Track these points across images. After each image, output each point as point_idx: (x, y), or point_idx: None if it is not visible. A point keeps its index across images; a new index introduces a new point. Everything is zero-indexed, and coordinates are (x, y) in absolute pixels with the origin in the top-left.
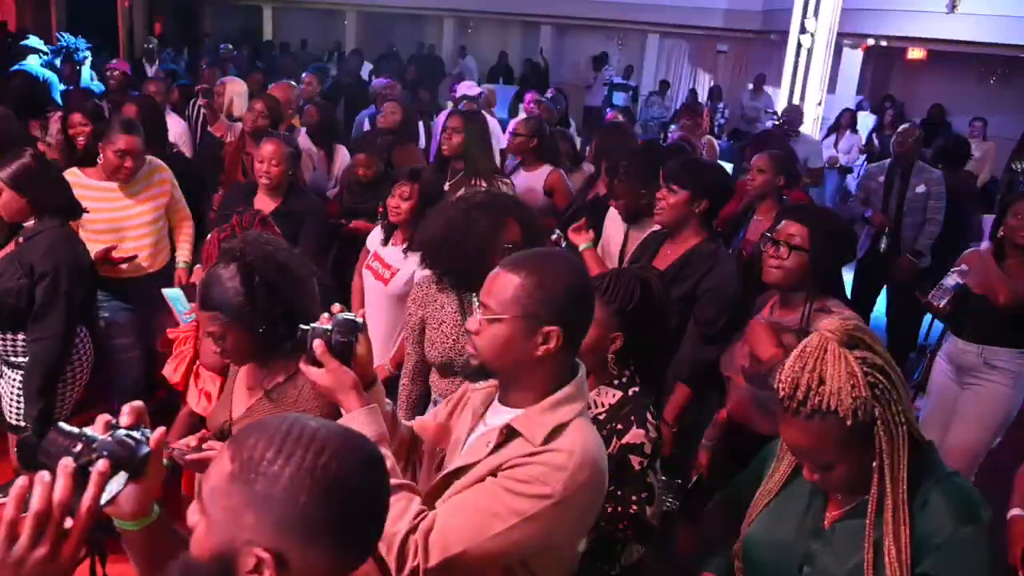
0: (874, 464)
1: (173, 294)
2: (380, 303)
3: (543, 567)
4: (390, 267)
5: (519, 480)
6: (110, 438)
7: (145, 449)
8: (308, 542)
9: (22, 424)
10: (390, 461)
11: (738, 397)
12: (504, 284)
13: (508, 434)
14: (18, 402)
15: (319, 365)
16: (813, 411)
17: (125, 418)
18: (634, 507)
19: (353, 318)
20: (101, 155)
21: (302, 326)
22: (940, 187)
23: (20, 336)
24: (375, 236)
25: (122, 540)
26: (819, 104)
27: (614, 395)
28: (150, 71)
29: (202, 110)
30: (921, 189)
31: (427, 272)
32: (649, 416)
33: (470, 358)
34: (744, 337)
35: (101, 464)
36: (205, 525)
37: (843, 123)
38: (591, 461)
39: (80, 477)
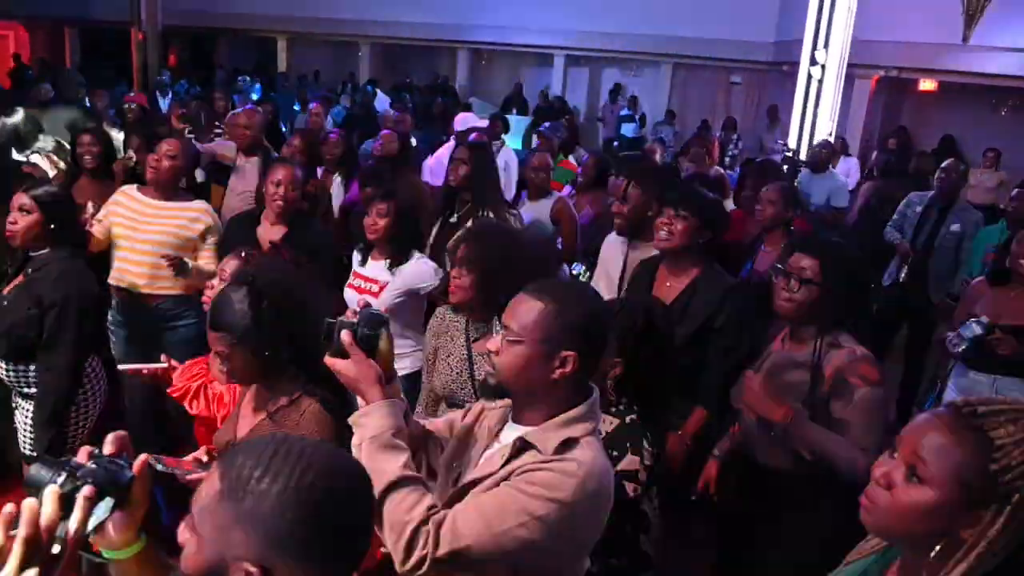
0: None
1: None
2: None
3: (550, 572)
4: (375, 280)
5: (531, 483)
6: (94, 465)
7: (129, 474)
8: (295, 558)
9: (35, 454)
10: (406, 455)
11: (747, 431)
12: (528, 309)
13: (520, 447)
14: (31, 432)
15: (344, 356)
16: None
17: (108, 446)
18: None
19: (379, 313)
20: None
21: (328, 319)
22: (973, 229)
23: (32, 367)
24: (355, 259)
25: (112, 571)
26: (829, 135)
27: (611, 422)
28: (163, 103)
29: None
30: (956, 228)
31: (417, 285)
32: (646, 444)
33: (488, 376)
34: (742, 393)
35: (87, 490)
36: (196, 542)
37: (836, 148)
38: (600, 474)
39: (66, 504)
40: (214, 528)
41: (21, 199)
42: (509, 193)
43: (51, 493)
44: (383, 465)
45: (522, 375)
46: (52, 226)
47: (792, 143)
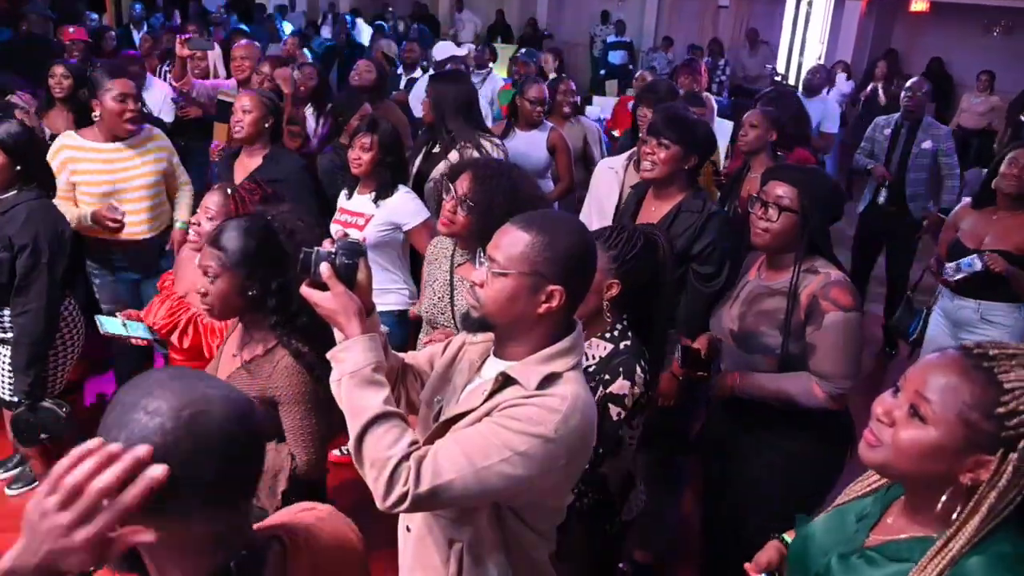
0: (973, 497)
1: (109, 322)
2: None
3: (531, 515)
4: (361, 214)
5: (513, 418)
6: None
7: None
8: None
9: (15, 400)
10: (386, 390)
11: (729, 360)
12: (513, 240)
13: (503, 381)
14: (10, 378)
15: (322, 288)
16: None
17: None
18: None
19: (356, 241)
20: (99, 111)
21: (305, 248)
22: (949, 143)
23: (6, 311)
24: (342, 194)
25: None
26: (818, 59)
27: (605, 348)
28: (136, 36)
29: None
30: (927, 145)
31: (401, 220)
32: (638, 370)
33: (471, 309)
34: (721, 323)
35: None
36: None
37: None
38: (582, 409)
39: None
40: None
41: None
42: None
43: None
44: (363, 401)
45: (506, 309)
46: (19, 167)
47: (781, 67)
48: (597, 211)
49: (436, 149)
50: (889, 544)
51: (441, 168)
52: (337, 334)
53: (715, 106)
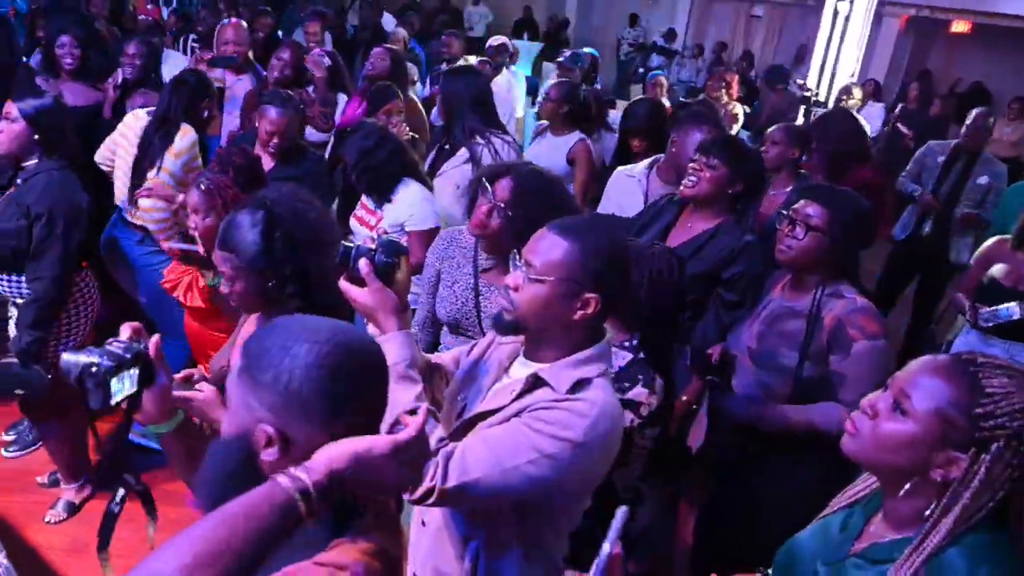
0: (946, 495)
1: None
2: None
3: (550, 517)
4: (374, 213)
5: (543, 421)
6: (108, 346)
7: (140, 347)
8: (308, 421)
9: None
10: (419, 386)
11: (743, 377)
12: (551, 246)
13: (533, 383)
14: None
15: (361, 284)
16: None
17: (125, 332)
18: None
19: (398, 241)
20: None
21: (344, 243)
22: (1002, 183)
23: (23, 277)
24: None
25: (163, 448)
26: (852, 76)
27: (624, 357)
28: (164, 12)
29: (196, 50)
30: (984, 180)
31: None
32: (657, 382)
33: (504, 312)
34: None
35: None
36: (228, 413)
37: (868, 92)
38: (611, 415)
39: (92, 378)
40: (240, 398)
41: (8, 108)
42: (510, 117)
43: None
44: (397, 396)
45: (541, 314)
46: (37, 136)
47: (812, 82)
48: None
49: (447, 147)
50: (872, 547)
51: (453, 163)
52: (371, 329)
53: (741, 119)
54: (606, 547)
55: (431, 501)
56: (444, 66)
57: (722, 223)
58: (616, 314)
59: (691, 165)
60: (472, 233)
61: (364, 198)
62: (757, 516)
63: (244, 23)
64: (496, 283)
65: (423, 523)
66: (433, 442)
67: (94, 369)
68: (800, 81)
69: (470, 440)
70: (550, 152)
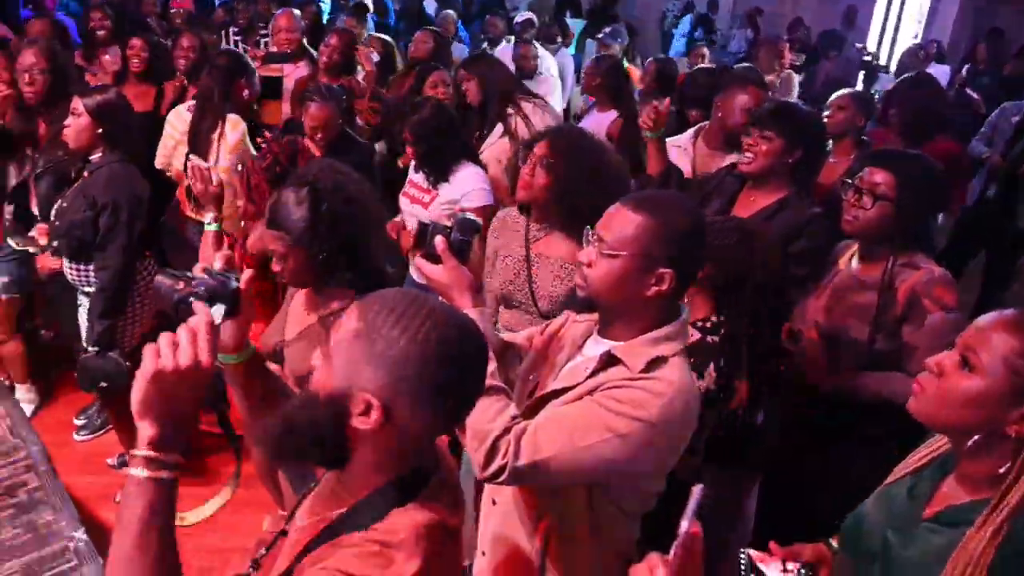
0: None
1: None
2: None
3: (624, 498)
4: (428, 191)
5: (617, 400)
6: (207, 277)
7: (235, 284)
8: (413, 399)
9: (87, 348)
10: (492, 365)
11: (810, 353)
12: (625, 221)
13: (607, 361)
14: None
15: (436, 261)
16: None
17: (218, 263)
18: None
19: (473, 219)
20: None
21: (421, 220)
22: None
23: (91, 266)
24: (412, 166)
25: (226, 377)
26: (915, 37)
27: (693, 335)
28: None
29: (238, 42)
30: None
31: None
32: (711, 369)
33: (578, 288)
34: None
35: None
36: (327, 369)
37: (929, 53)
38: (687, 395)
39: (184, 306)
40: (346, 361)
41: (75, 103)
42: (561, 97)
43: (160, 278)
44: None
45: (614, 290)
46: (101, 131)
47: (872, 46)
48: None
49: (485, 131)
50: (947, 511)
51: (491, 140)
52: None
53: (796, 86)
54: (684, 524)
55: (502, 479)
56: (486, 46)
57: (786, 196)
58: (704, 292)
59: (745, 140)
60: (518, 200)
61: (413, 176)
62: (819, 495)
63: (296, 11)
64: (546, 253)
65: (493, 502)
66: (506, 419)
67: (192, 299)
68: (859, 45)
69: (542, 418)
70: (594, 129)
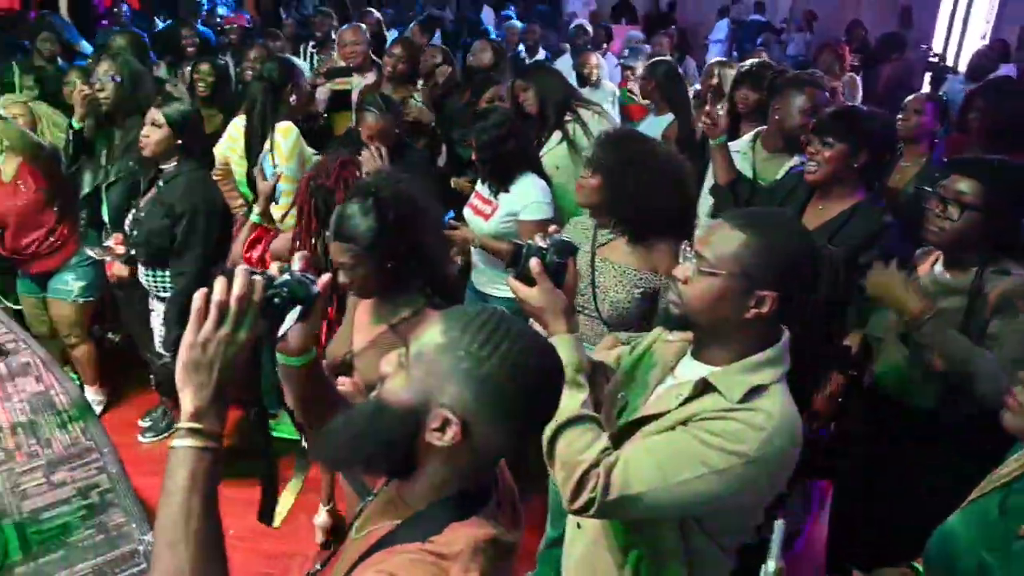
0: None
1: None
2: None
3: (719, 531)
4: (489, 202)
5: (714, 433)
6: (288, 276)
7: (316, 289)
8: (491, 420)
9: (163, 352)
10: (585, 393)
11: (890, 362)
12: (726, 238)
13: (702, 388)
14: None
15: (530, 283)
16: None
17: (298, 263)
18: None
19: (569, 240)
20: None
21: (516, 241)
22: None
23: (167, 272)
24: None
25: (284, 380)
26: (983, 37)
27: None
28: (285, 17)
29: (314, 55)
30: None
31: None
32: None
33: (672, 305)
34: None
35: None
36: (404, 378)
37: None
38: (790, 428)
39: (267, 309)
40: (427, 374)
41: (153, 114)
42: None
43: (241, 271)
44: (562, 402)
45: (711, 310)
46: (180, 141)
47: (938, 46)
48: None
49: (543, 139)
50: None
51: (549, 147)
52: (538, 330)
53: (860, 89)
54: (771, 564)
55: (591, 513)
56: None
57: (857, 203)
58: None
59: (808, 149)
60: (579, 204)
61: (479, 187)
62: (899, 508)
63: (362, 25)
64: (611, 258)
65: (578, 525)
66: (596, 452)
67: (277, 300)
68: (924, 47)
69: (633, 450)
70: (650, 133)
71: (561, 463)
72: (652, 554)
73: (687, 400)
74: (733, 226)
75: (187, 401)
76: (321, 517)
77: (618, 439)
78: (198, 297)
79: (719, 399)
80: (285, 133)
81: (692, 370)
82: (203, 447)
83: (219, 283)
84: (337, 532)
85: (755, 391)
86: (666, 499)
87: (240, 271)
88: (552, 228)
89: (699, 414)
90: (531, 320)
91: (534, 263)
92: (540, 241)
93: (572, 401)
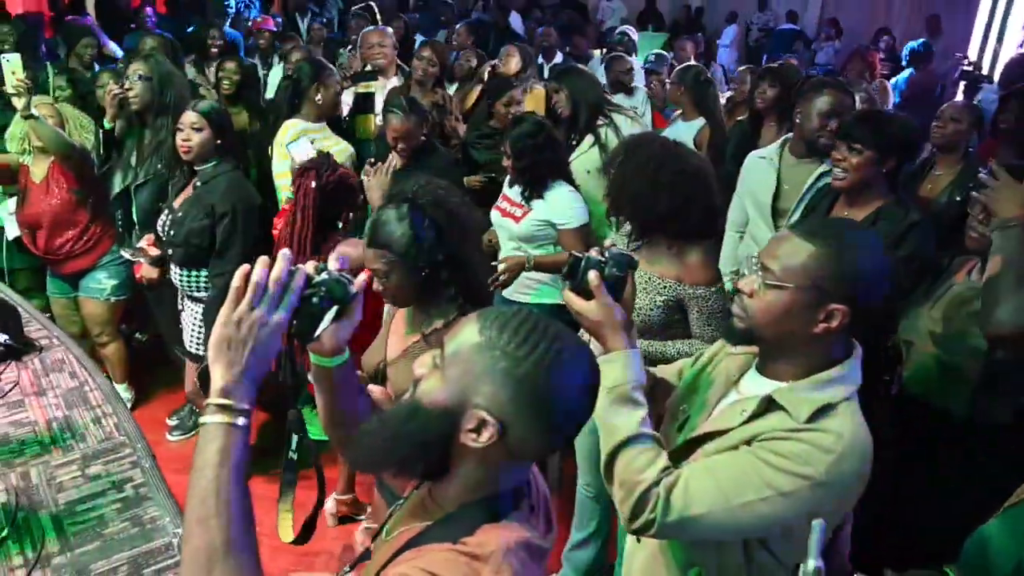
0: None
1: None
2: (509, 242)
3: (783, 550)
4: (520, 205)
5: (779, 455)
6: (327, 275)
7: (354, 290)
8: (529, 422)
9: (202, 352)
10: (643, 410)
11: (921, 365)
12: (794, 250)
13: (767, 406)
14: (199, 332)
15: (587, 297)
16: None
17: (334, 264)
18: None
19: (628, 253)
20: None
21: (574, 253)
22: None
23: (202, 272)
24: (506, 180)
25: (315, 380)
26: (1021, 47)
27: None
28: (302, 24)
29: (349, 56)
30: None
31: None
32: None
33: (736, 319)
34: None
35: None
36: (440, 379)
37: None
38: (860, 449)
39: (306, 307)
40: (463, 373)
41: (191, 117)
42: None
43: (283, 256)
44: (619, 419)
45: (778, 324)
46: (219, 141)
47: (973, 54)
48: (752, 203)
49: (574, 142)
50: None
51: (581, 150)
52: (595, 345)
53: (892, 95)
54: (811, 563)
55: (651, 533)
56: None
57: (881, 206)
58: None
59: (834, 155)
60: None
61: (507, 190)
62: (926, 511)
63: (388, 28)
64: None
65: (637, 539)
66: (656, 471)
67: (315, 300)
68: (959, 55)
69: (694, 470)
70: (679, 138)
71: (620, 482)
72: (713, 572)
73: (751, 417)
74: (801, 237)
75: (217, 377)
76: (329, 503)
77: (680, 456)
78: (238, 276)
79: (785, 418)
80: (284, 130)
81: (757, 385)
82: (232, 423)
83: (259, 264)
84: (352, 519)
85: (823, 410)
86: (728, 521)
87: (282, 255)
88: (608, 241)
89: (764, 433)
90: (581, 332)
91: (593, 276)
92: (597, 254)
93: (631, 419)
